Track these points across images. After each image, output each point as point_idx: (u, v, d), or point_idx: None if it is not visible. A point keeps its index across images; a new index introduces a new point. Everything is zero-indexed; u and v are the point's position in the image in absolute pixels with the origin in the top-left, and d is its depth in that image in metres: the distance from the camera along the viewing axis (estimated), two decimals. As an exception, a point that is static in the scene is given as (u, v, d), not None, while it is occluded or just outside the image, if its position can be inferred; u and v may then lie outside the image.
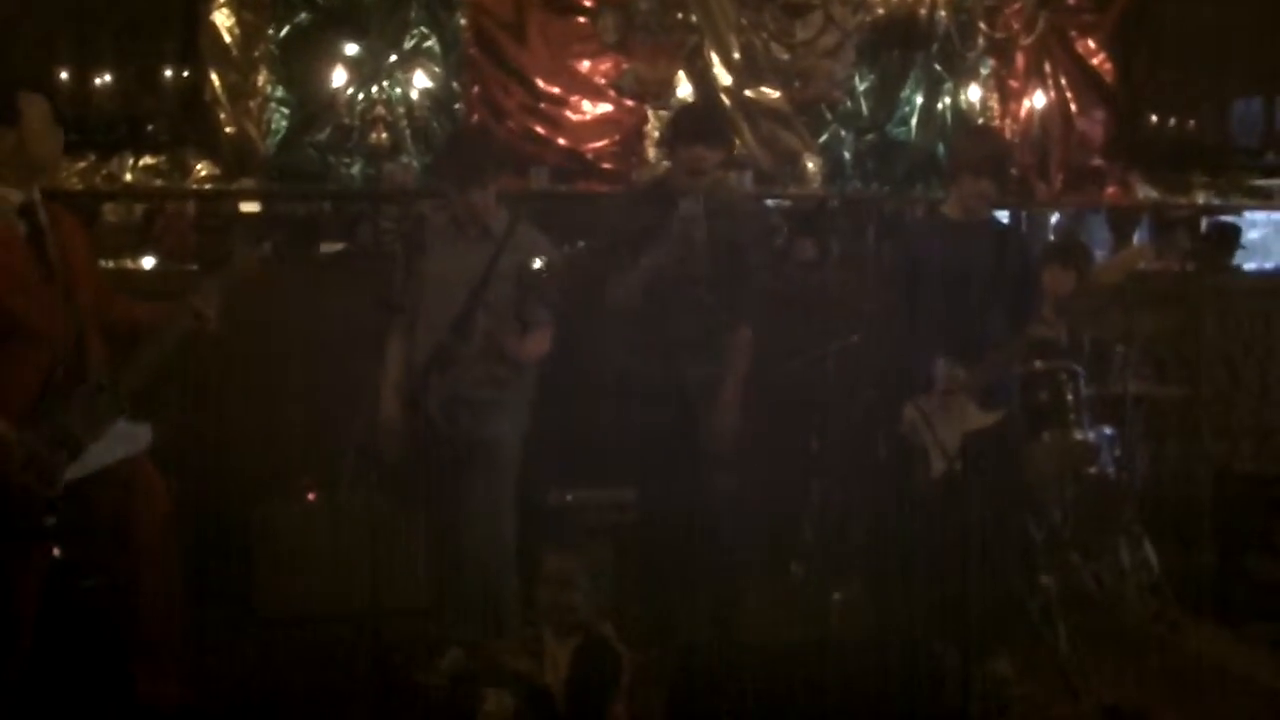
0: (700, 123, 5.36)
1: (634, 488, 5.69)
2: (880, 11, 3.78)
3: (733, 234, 5.12)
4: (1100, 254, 7.65)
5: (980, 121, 7.59)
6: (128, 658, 4.49)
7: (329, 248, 6.97)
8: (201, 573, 5.34)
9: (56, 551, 4.35)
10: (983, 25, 3.96)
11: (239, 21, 7.01)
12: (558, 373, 5.33)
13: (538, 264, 4.76)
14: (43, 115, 4.24)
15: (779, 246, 6.63)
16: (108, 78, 6.90)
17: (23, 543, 4.11)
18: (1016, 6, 5.96)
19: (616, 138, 7.32)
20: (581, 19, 7.33)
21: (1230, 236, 7.88)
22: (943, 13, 3.62)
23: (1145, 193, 8.15)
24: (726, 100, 7.24)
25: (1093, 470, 6.02)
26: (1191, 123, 8.17)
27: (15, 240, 4.19)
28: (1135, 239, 7.98)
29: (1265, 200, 8.29)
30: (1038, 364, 5.76)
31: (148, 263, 6.84)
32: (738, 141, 6.80)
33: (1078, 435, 5.81)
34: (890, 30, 3.78)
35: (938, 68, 7.22)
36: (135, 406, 4.38)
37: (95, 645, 4.53)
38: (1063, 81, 8.03)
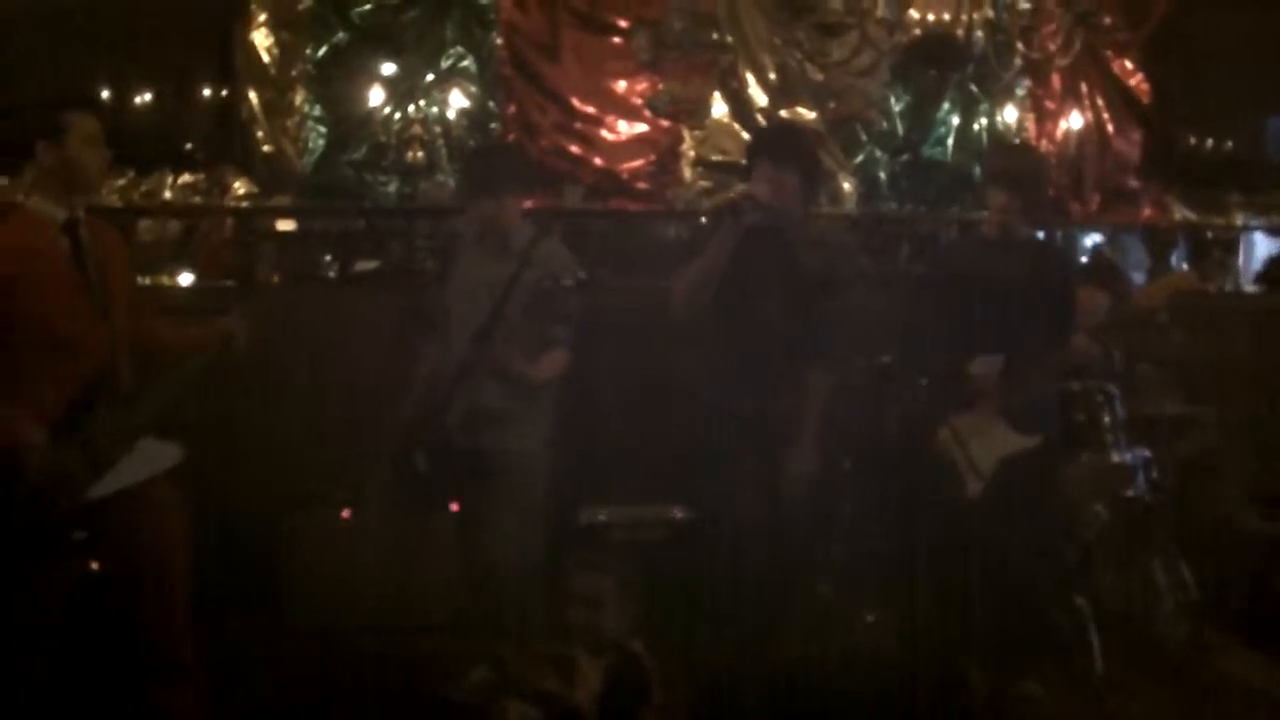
0: (783, 143, 5.16)
1: (667, 505, 5.67)
2: (916, 32, 3.77)
3: (822, 267, 4.92)
4: (1137, 275, 7.64)
5: (1016, 142, 7.57)
6: (141, 672, 4.49)
7: (363, 265, 7.01)
8: (232, 583, 5.39)
9: (87, 565, 4.37)
10: (1019, 45, 3.94)
11: (277, 41, 7.09)
12: (586, 387, 5.32)
13: (564, 282, 4.73)
14: (88, 133, 4.27)
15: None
16: (147, 96, 6.98)
17: (48, 556, 4.12)
18: (1052, 27, 5.93)
19: (651, 157, 7.34)
20: (616, 38, 7.36)
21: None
22: (979, 33, 3.62)
23: (1182, 213, 8.12)
24: (761, 121, 7.24)
25: (1129, 492, 5.96)
26: (1228, 142, 8.13)
27: (57, 255, 4.22)
28: (1172, 260, 7.95)
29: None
30: (1074, 385, 5.72)
31: (184, 279, 6.89)
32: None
33: (1114, 457, 5.76)
34: (926, 50, 3.78)
35: (973, 88, 7.21)
36: (166, 420, 4.39)
37: (111, 658, 4.55)
38: (1099, 101, 8.02)
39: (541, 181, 6.94)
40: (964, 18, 3.64)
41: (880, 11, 3.84)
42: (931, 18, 3.79)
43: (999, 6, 3.87)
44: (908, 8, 3.81)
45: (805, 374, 4.96)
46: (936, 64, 3.96)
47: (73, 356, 4.18)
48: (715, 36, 7.26)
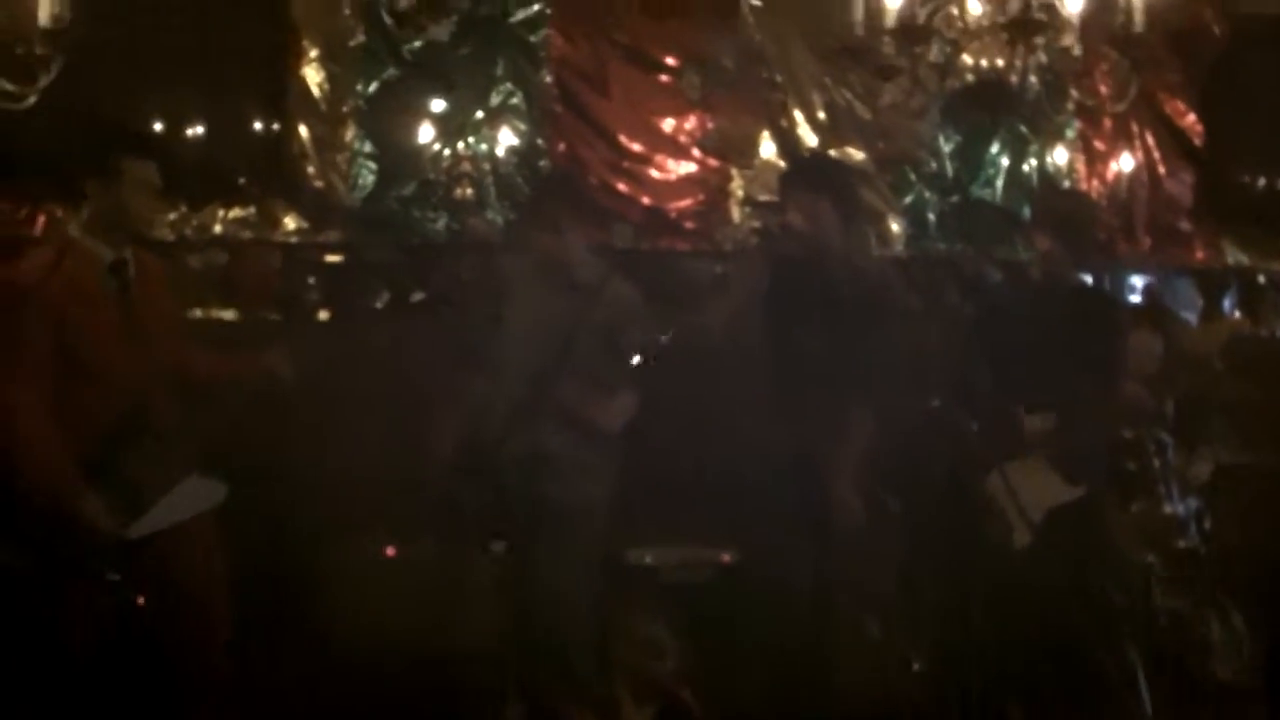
0: (815, 174, 5.08)
1: (714, 546, 5.63)
2: (969, 77, 3.74)
3: (863, 300, 4.74)
4: (1188, 315, 7.56)
5: (1066, 184, 7.53)
6: (178, 705, 4.48)
7: (412, 297, 7.00)
8: (275, 613, 5.39)
9: (124, 600, 4.37)
10: (1073, 91, 3.91)
11: (328, 76, 7.15)
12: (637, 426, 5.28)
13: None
14: (140, 178, 4.25)
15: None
16: (200, 129, 7.04)
17: (84, 593, 4.12)
18: (1105, 68, 5.89)
19: (700, 196, 7.35)
20: (665, 76, 7.38)
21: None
22: (1032, 78, 3.59)
23: (1235, 256, 8.04)
24: (810, 160, 7.25)
25: (1181, 543, 5.88)
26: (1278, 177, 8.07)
27: (101, 295, 4.22)
28: (1225, 303, 7.86)
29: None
30: (1126, 432, 5.64)
31: (230, 312, 6.92)
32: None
33: (1166, 508, 5.68)
34: (978, 95, 3.75)
35: (1023, 129, 7.19)
36: (210, 455, 4.39)
37: (148, 690, 4.54)
38: (1150, 142, 7.97)
39: (591, 220, 6.94)
40: (1017, 63, 3.60)
41: (932, 56, 3.81)
42: (985, 63, 3.75)
43: (1052, 51, 3.83)
44: (960, 53, 3.78)
45: (849, 412, 4.91)
46: (989, 109, 3.93)
47: (112, 391, 4.17)
48: (765, 75, 7.25)
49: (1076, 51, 3.77)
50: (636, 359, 4.53)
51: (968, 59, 3.76)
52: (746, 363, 4.95)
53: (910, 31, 3.59)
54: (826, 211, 4.74)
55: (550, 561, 4.71)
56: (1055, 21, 3.67)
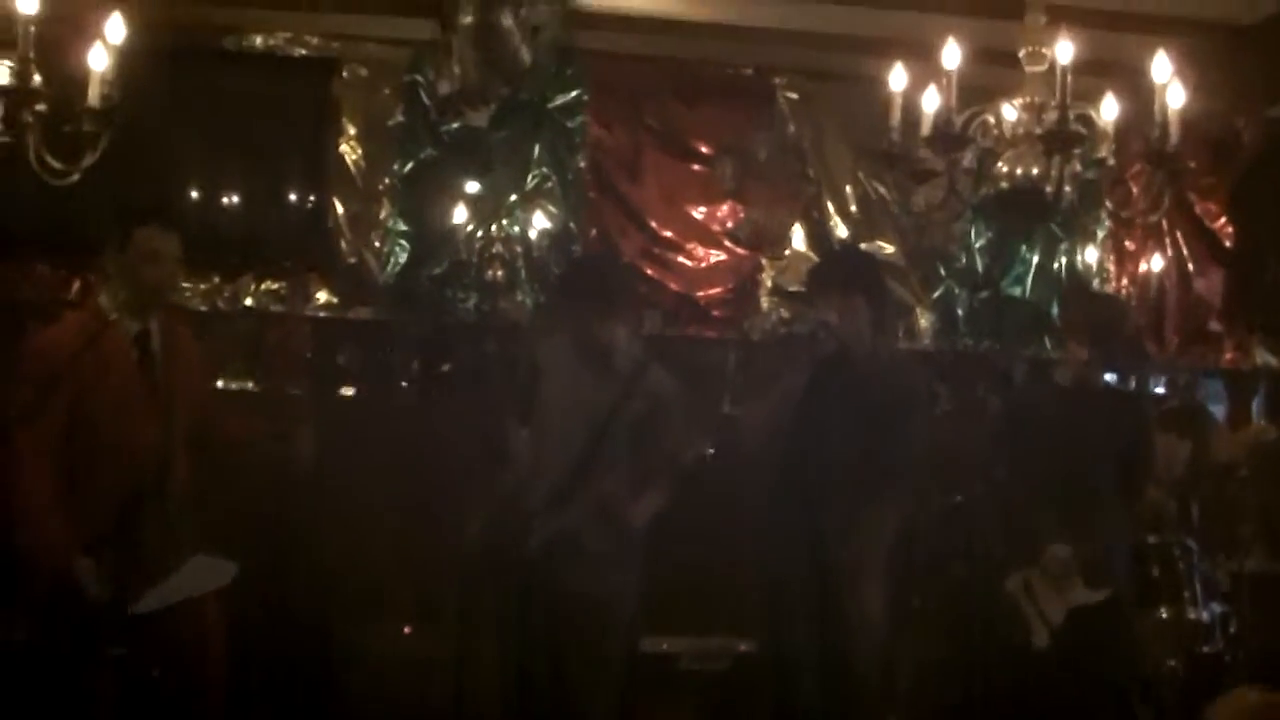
0: (848, 269, 5.05)
1: (731, 637, 5.62)
2: (1004, 185, 3.76)
3: (892, 398, 4.73)
4: (1216, 419, 7.53)
5: (1095, 282, 7.54)
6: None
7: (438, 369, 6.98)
8: (289, 691, 5.38)
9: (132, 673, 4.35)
10: (1108, 204, 3.93)
11: (365, 153, 7.22)
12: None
13: (672, 414, 4.51)
14: (147, 249, 4.25)
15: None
16: (235, 200, 7.10)
17: (90, 667, 4.11)
18: (1136, 168, 5.91)
19: (730, 285, 7.37)
20: (698, 165, 7.42)
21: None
22: (1068, 188, 3.61)
23: (1264, 358, 8.01)
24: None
25: (1205, 648, 5.84)
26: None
27: (127, 366, 4.25)
28: (1254, 405, 7.84)
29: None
30: (1150, 538, 5.62)
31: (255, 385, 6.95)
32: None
33: (1190, 614, 5.65)
34: (1013, 202, 3.76)
35: (1054, 228, 7.23)
36: (224, 532, 4.39)
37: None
38: (1180, 242, 7.98)
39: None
40: (1053, 173, 3.62)
41: (967, 162, 3.83)
42: (1020, 171, 3.77)
43: (1088, 162, 3.86)
44: (996, 160, 3.80)
45: (874, 508, 4.88)
46: (1023, 216, 3.95)
47: (129, 462, 4.18)
48: (799, 167, 7.30)
49: (1111, 162, 3.78)
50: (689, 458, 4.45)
51: (1003, 167, 3.77)
52: (774, 454, 4.95)
53: (946, 138, 3.60)
54: (859, 307, 4.73)
55: (578, 653, 4.60)
56: (1092, 133, 3.68)
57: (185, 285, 6.65)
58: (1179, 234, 8.00)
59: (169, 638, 4.18)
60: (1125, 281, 7.84)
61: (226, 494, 4.44)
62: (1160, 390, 7.69)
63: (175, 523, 4.22)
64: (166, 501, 4.22)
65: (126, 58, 3.62)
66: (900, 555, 5.48)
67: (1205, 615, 5.75)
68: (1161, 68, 3.43)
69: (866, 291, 4.81)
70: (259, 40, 7.23)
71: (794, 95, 7.54)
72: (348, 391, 6.94)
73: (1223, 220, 8.04)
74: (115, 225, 4.30)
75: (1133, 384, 7.62)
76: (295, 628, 5.75)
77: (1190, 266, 8.02)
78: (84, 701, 4.14)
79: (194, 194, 7.01)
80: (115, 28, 3.58)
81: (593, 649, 4.61)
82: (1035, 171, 3.74)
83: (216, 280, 7.03)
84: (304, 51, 7.28)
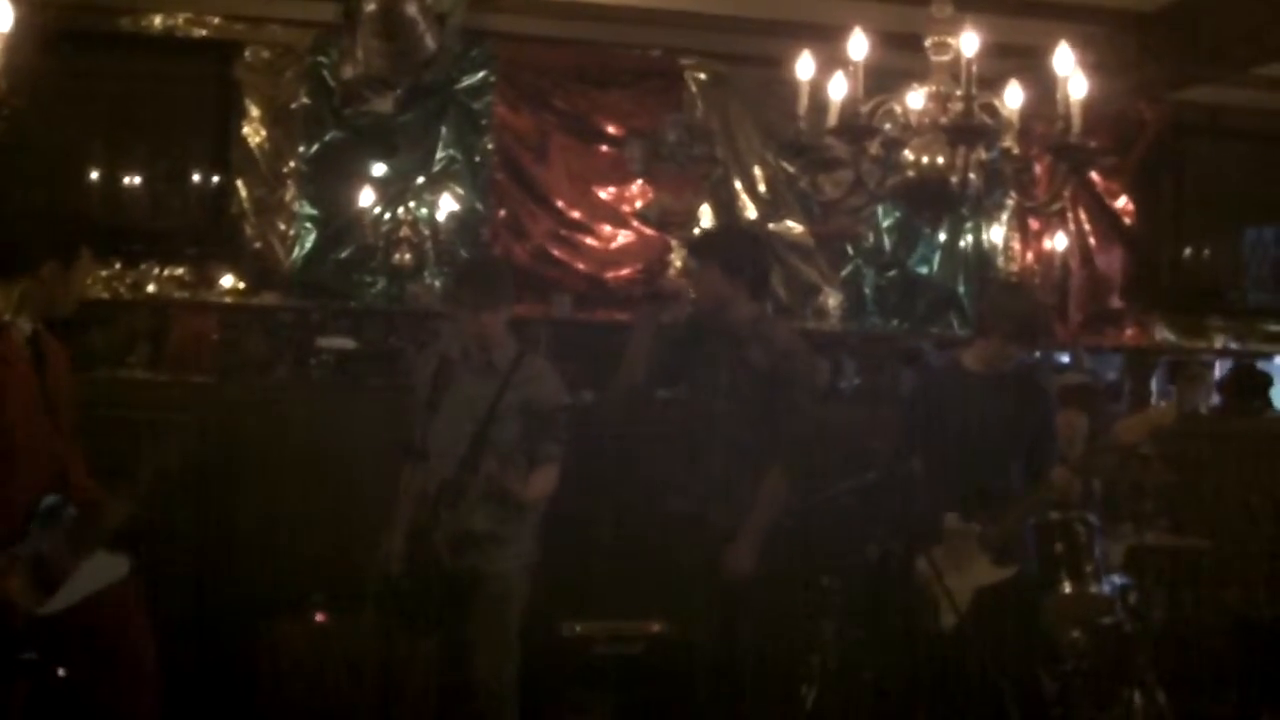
0: (714, 243, 5.43)
1: (645, 618, 5.65)
2: (910, 173, 3.79)
3: (775, 371, 5.02)
4: (1116, 395, 7.65)
5: (1001, 260, 7.65)
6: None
7: (336, 342, 6.86)
8: (209, 688, 5.32)
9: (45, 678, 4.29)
10: (1013, 194, 3.98)
11: (269, 138, 7.12)
12: (565, 502, 5.28)
13: (550, 404, 4.79)
14: (88, 267, 4.28)
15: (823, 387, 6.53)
16: (138, 184, 6.98)
17: (4, 673, 4.05)
18: (1036, 151, 5.99)
19: (639, 266, 7.37)
20: (606, 147, 7.41)
21: (1261, 382, 7.81)
22: (973, 175, 3.65)
23: (1163, 335, 8.17)
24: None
25: (1108, 621, 5.94)
26: (1208, 261, 8.21)
27: (24, 367, 4.19)
28: (1153, 382, 7.98)
29: (1281, 344, 8.30)
30: (1053, 515, 5.70)
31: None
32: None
33: (1094, 588, 5.73)
34: (920, 191, 3.80)
35: (962, 211, 7.31)
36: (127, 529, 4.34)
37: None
38: (1084, 222, 8.10)
39: (530, 288, 6.95)
40: (958, 162, 3.67)
41: (874, 150, 3.87)
42: (925, 160, 3.81)
43: (992, 151, 3.91)
44: (902, 148, 3.84)
45: (762, 477, 5.02)
46: (929, 205, 3.99)
47: (26, 465, 4.13)
48: (707, 149, 7.31)
49: (1016, 151, 3.83)
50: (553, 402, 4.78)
51: (909, 155, 3.81)
52: (664, 429, 5.08)
53: (852, 129, 3.62)
54: (714, 277, 5.03)
55: (475, 637, 4.87)
56: (997, 121, 3.72)
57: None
58: (1082, 213, 8.12)
59: (91, 635, 4.15)
60: (1030, 259, 7.95)
61: (130, 489, 4.35)
62: (1063, 363, 7.82)
63: (77, 527, 4.17)
64: (68, 502, 4.17)
65: (16, 42, 3.55)
66: (802, 530, 5.59)
67: (1107, 588, 5.84)
68: (1064, 60, 3.48)
69: (722, 264, 5.03)
70: (157, 21, 7.09)
71: (702, 77, 7.56)
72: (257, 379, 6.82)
73: (1124, 200, 8.17)
74: (55, 237, 4.23)
75: (1037, 361, 7.74)
76: (213, 621, 5.70)
77: (1093, 244, 8.14)
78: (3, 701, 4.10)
79: (93, 180, 6.88)
80: (3, 12, 3.51)
81: (491, 630, 4.86)
82: (941, 161, 3.78)
83: (118, 267, 6.92)
84: (204, 33, 7.16)
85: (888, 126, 3.89)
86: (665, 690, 5.45)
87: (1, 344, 4.15)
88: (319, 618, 5.93)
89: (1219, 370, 8.24)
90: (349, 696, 5.44)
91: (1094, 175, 7.93)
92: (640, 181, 7.36)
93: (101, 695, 4.32)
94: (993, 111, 3.78)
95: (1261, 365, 8.12)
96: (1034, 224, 7.91)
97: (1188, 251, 8.26)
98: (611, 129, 7.41)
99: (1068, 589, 5.71)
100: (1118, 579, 6.03)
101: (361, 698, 5.34)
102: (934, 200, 3.88)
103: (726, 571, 5.00)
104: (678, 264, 7.26)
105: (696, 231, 7.27)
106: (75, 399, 4.50)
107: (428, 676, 5.45)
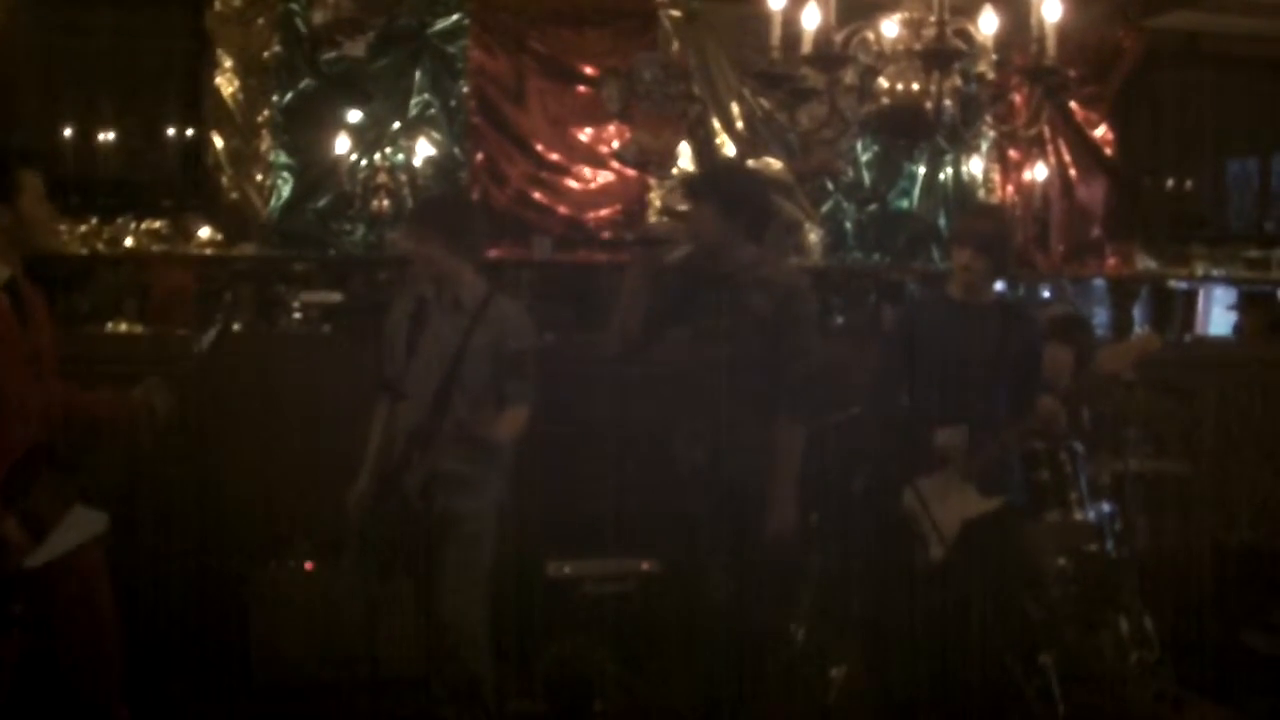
0: (702, 181, 5.36)
1: (635, 558, 5.64)
2: (885, 101, 3.77)
3: (771, 310, 4.80)
4: (1100, 324, 7.67)
5: (981, 193, 7.64)
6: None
7: (319, 297, 6.83)
8: (198, 637, 5.33)
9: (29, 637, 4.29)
10: (988, 119, 3.96)
11: (243, 86, 7.07)
12: (554, 441, 5.27)
13: (518, 344, 4.68)
14: (37, 191, 4.19)
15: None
16: (112, 140, 6.92)
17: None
18: (1017, 80, 5.96)
19: (618, 206, 7.36)
20: (583, 88, 7.37)
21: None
22: (948, 102, 3.63)
23: (1144, 264, 8.18)
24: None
25: (1093, 548, 5.97)
26: (1189, 189, 8.22)
27: (7, 314, 4.14)
28: (1135, 311, 7.99)
29: (1263, 271, 8.29)
30: (1038, 444, 5.72)
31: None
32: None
33: (1079, 515, 5.76)
34: (895, 120, 3.78)
35: (940, 140, 7.26)
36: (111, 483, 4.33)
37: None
38: (1064, 152, 8.09)
39: (510, 231, 6.93)
40: (933, 88, 3.64)
41: (849, 79, 3.84)
42: (900, 87, 3.78)
43: (967, 77, 3.88)
44: (876, 76, 3.81)
45: (772, 426, 4.88)
46: (905, 133, 3.97)
47: (18, 420, 4.10)
48: (684, 87, 7.27)
49: (992, 76, 3.81)
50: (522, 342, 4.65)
51: (883, 82, 3.79)
52: (664, 373, 4.99)
53: (826, 57, 3.59)
54: (709, 216, 4.79)
55: (450, 578, 4.76)
56: (971, 48, 3.70)
57: (63, 228, 6.51)
58: (1061, 144, 8.11)
59: (57, 590, 4.14)
60: (1010, 191, 7.94)
61: (111, 441, 4.35)
62: (1046, 297, 7.83)
63: (61, 481, 4.15)
64: (53, 460, 4.15)
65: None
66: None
67: (1092, 515, 5.87)
68: (1038, -19, 3.46)
69: (719, 203, 4.81)
70: (126, -29, 7.04)
71: (677, 14, 7.51)
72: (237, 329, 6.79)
73: (1103, 129, 8.16)
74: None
75: (1020, 293, 7.76)
76: (197, 569, 5.70)
77: (1073, 175, 8.13)
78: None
79: (66, 134, 6.83)
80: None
81: (464, 570, 4.78)
82: (915, 88, 3.76)
83: (95, 222, 6.87)
84: (174, -16, 7.11)
85: (861, 55, 3.86)
86: (654, 629, 5.46)
87: None
88: (308, 566, 5.94)
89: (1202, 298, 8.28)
90: (338, 641, 5.43)
91: (1073, 105, 7.93)
92: (618, 121, 7.32)
93: (66, 650, 4.34)
94: (967, 37, 3.75)
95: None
96: (1014, 155, 7.90)
97: (1166, 177, 8.26)
98: (588, 69, 7.38)
99: (1053, 517, 5.75)
100: (1104, 506, 6.07)
101: (351, 642, 5.33)
102: (910, 128, 3.86)
103: (772, 535, 4.88)
104: (657, 204, 7.24)
105: (690, 170, 7.23)
106: (55, 350, 4.48)
107: (404, 617, 5.46)
